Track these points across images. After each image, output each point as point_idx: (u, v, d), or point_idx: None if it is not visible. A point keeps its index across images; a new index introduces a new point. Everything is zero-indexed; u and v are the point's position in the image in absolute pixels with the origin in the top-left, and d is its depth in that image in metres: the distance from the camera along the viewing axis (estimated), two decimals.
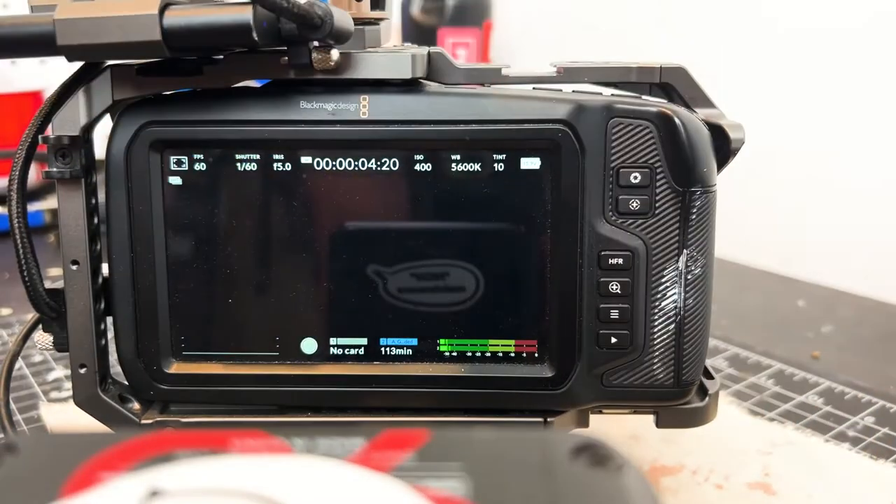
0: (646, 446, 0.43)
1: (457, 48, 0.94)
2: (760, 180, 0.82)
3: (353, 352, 0.35)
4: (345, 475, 0.15)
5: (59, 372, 0.52)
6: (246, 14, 0.28)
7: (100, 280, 0.35)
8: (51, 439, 0.16)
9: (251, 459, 0.15)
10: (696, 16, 0.87)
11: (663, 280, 0.33)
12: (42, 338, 0.35)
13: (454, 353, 0.35)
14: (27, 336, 0.36)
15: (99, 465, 0.15)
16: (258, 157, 0.33)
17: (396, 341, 0.35)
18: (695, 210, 0.33)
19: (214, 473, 0.15)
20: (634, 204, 0.33)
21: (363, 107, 0.33)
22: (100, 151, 0.34)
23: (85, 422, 0.35)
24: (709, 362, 0.53)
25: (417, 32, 0.94)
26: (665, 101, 0.34)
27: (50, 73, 0.80)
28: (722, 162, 0.34)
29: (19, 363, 0.53)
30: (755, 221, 0.83)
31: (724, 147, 0.33)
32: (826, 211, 0.79)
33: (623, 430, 0.44)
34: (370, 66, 0.33)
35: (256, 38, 0.29)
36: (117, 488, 0.15)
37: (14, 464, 0.15)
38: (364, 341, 0.35)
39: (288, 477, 0.15)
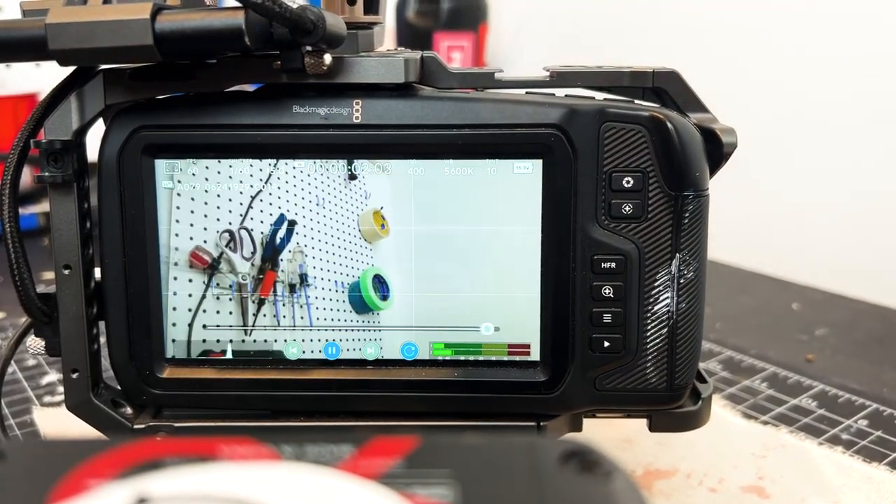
0: (640, 450, 0.43)
1: (452, 51, 0.95)
2: (755, 183, 0.82)
3: (346, 356, 0.35)
4: (332, 482, 0.15)
5: (53, 376, 0.52)
6: (238, 18, 0.28)
7: (92, 284, 0.35)
8: (38, 446, 0.16)
9: (239, 466, 0.15)
10: (690, 20, 0.87)
11: (656, 284, 0.33)
12: (34, 342, 0.35)
13: (447, 358, 0.35)
14: (19, 341, 0.35)
15: (86, 473, 0.15)
16: (250, 161, 0.33)
17: (389, 345, 0.35)
18: (687, 214, 0.33)
19: (202, 480, 0.15)
20: (627, 208, 0.33)
21: (356, 111, 0.33)
22: (93, 155, 0.34)
23: (78, 426, 0.35)
24: (703, 365, 0.53)
25: (412, 35, 0.94)
26: (658, 105, 0.34)
27: (45, 75, 0.80)
28: (714, 166, 0.34)
29: (12, 367, 0.52)
30: (749, 224, 0.83)
31: (717, 151, 0.33)
32: (820, 213, 0.79)
33: (617, 434, 0.44)
34: (363, 70, 0.33)
35: (248, 43, 0.29)
36: (104, 495, 0.15)
37: (1, 471, 0.15)
38: (357, 345, 0.35)
39: (276, 484, 0.15)
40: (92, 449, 0.16)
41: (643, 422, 0.36)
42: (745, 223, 0.82)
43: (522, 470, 0.15)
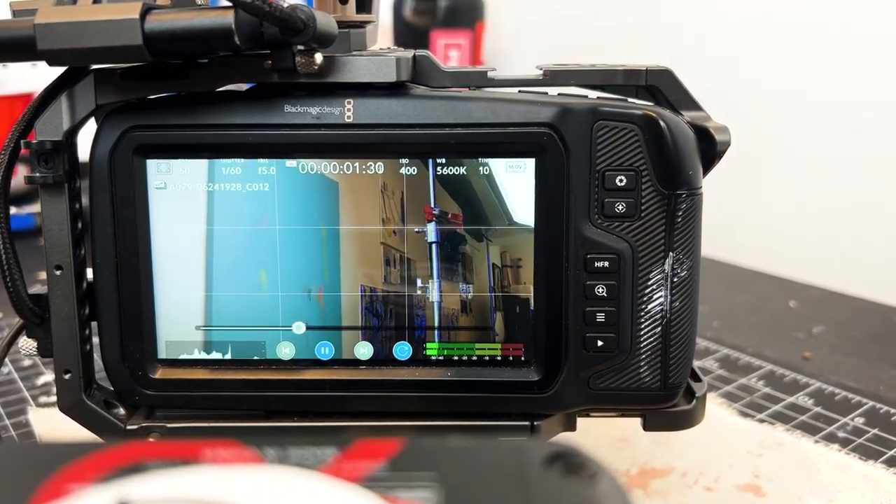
0: (636, 449, 0.43)
1: (449, 49, 0.94)
2: (752, 181, 0.82)
3: (338, 356, 0.35)
4: (314, 486, 0.14)
5: (49, 376, 0.52)
6: (227, 18, 0.28)
7: (84, 285, 0.34)
8: (20, 449, 0.16)
9: (221, 470, 0.15)
10: (688, 17, 0.87)
11: (649, 283, 0.33)
12: (26, 343, 0.35)
13: (441, 357, 0.35)
14: (12, 342, 0.35)
15: (68, 476, 0.15)
16: (242, 161, 0.33)
17: (383, 345, 0.35)
18: (681, 213, 0.33)
19: (184, 484, 0.15)
20: (620, 207, 0.33)
21: (348, 110, 0.33)
22: (84, 155, 0.34)
23: (72, 427, 0.35)
24: (699, 363, 0.53)
25: (409, 34, 0.94)
26: (651, 103, 0.34)
27: (42, 75, 0.80)
28: (708, 164, 0.34)
29: (7, 367, 0.52)
30: (747, 222, 0.83)
31: (710, 149, 0.33)
32: (818, 211, 0.79)
33: (613, 433, 0.44)
34: (355, 69, 0.33)
35: (238, 42, 0.29)
36: (86, 499, 0.14)
37: None
38: (350, 345, 0.35)
39: (257, 487, 0.14)
40: (75, 452, 0.16)
41: (639, 420, 0.36)
42: (742, 221, 0.82)
43: (507, 472, 0.15)
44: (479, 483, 0.15)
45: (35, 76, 0.83)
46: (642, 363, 0.34)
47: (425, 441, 0.16)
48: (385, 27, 0.95)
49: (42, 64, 0.30)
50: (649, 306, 0.33)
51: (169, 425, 0.35)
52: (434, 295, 0.34)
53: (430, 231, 0.34)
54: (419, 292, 0.34)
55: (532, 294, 0.34)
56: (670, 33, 0.89)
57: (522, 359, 0.34)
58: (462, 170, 0.33)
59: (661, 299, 0.33)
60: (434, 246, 0.34)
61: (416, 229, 0.34)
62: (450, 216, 0.34)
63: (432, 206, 0.34)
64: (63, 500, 0.15)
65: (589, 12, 0.96)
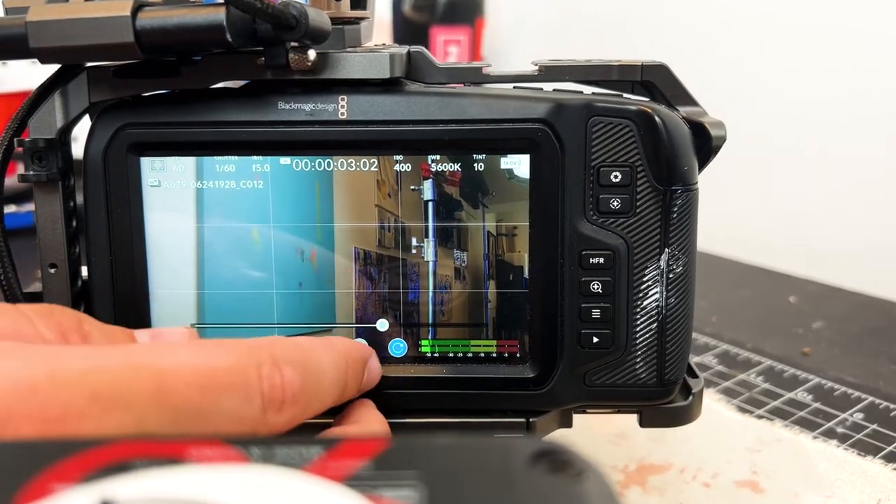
0: (633, 445, 0.43)
1: (448, 46, 0.94)
2: (751, 176, 0.82)
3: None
4: (298, 485, 0.14)
5: None
6: (219, 15, 0.28)
7: (79, 283, 0.34)
8: (4, 448, 0.16)
9: (206, 469, 0.15)
10: (686, 13, 0.87)
11: (645, 279, 0.33)
12: None
13: (436, 354, 0.34)
14: None
15: (52, 476, 0.15)
16: (236, 158, 0.33)
17: (378, 343, 0.34)
18: (676, 209, 0.33)
19: (168, 483, 0.15)
20: (615, 203, 0.33)
21: (342, 107, 0.33)
22: (78, 153, 0.34)
23: None
24: (698, 359, 0.53)
25: (409, 30, 0.93)
26: (647, 99, 0.34)
27: (40, 73, 0.79)
28: (703, 160, 0.33)
29: None
30: (746, 217, 0.83)
31: (706, 145, 0.33)
32: (817, 206, 0.79)
33: (611, 429, 0.44)
34: (348, 66, 0.33)
35: (230, 39, 0.28)
36: (70, 499, 0.14)
37: None
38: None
39: (241, 487, 0.14)
40: (60, 451, 0.16)
41: (636, 417, 0.36)
42: (741, 216, 0.82)
43: (492, 471, 0.15)
44: (464, 482, 0.15)
45: (35, 74, 0.83)
46: (638, 359, 0.34)
47: (410, 440, 0.16)
48: (384, 23, 0.95)
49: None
50: (645, 302, 0.33)
51: None
52: (429, 254, 0.34)
53: (427, 189, 0.33)
54: (414, 251, 0.34)
55: (527, 291, 0.34)
56: (669, 29, 0.88)
57: (518, 355, 0.34)
58: (455, 166, 0.33)
59: (657, 295, 0.33)
60: (430, 204, 0.34)
61: (413, 187, 0.33)
62: (447, 174, 0.33)
63: (429, 163, 0.33)
64: (47, 500, 0.15)
65: (588, 8, 0.96)
